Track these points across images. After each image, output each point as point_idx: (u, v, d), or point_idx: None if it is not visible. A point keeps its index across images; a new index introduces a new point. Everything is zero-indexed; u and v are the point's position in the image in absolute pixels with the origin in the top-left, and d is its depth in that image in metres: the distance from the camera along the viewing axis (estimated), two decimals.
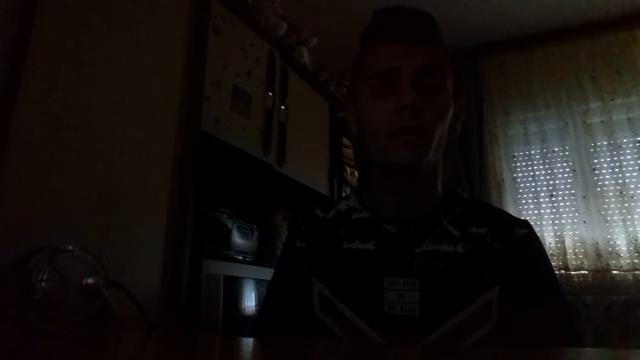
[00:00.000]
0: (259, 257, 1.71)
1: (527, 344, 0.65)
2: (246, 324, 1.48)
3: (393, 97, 0.70)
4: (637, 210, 2.40)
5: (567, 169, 2.61)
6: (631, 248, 2.36)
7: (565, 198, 2.58)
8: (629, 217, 2.39)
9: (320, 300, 0.76)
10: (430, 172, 0.75)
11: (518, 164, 2.74)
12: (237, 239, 1.59)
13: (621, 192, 2.44)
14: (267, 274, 1.33)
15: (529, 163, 2.71)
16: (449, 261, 0.70)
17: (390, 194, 0.77)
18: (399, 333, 0.69)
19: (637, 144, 2.49)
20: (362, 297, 0.72)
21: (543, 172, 2.66)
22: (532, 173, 2.68)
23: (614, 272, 2.38)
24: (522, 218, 0.80)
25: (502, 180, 2.72)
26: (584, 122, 2.60)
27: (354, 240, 0.77)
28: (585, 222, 2.47)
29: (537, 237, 0.75)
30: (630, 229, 2.38)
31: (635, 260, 2.35)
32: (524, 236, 0.73)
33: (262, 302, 0.87)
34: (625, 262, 2.37)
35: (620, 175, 2.46)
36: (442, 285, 0.69)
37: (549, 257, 0.79)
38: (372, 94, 0.73)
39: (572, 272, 2.45)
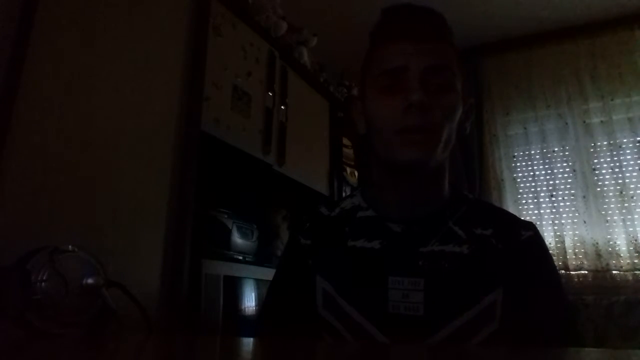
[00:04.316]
0: (259, 257, 1.71)
1: (529, 346, 0.65)
2: (246, 324, 1.48)
3: (401, 96, 0.69)
4: (637, 210, 2.40)
5: (567, 169, 2.61)
6: (631, 248, 2.36)
7: (565, 198, 2.58)
8: (629, 217, 2.39)
9: (324, 298, 0.76)
10: (437, 171, 0.75)
11: (518, 164, 2.74)
12: (237, 239, 1.59)
13: (621, 192, 2.44)
14: (267, 274, 1.33)
15: (529, 163, 2.71)
16: (454, 262, 0.70)
17: (396, 193, 0.77)
18: (403, 333, 0.68)
19: (637, 144, 2.49)
20: (366, 295, 0.72)
21: (543, 172, 2.66)
22: (532, 173, 2.69)
23: (614, 272, 2.38)
24: (528, 220, 0.79)
25: (502, 180, 2.72)
26: (584, 122, 2.60)
27: (358, 239, 0.76)
28: (585, 222, 2.47)
29: (542, 240, 0.75)
30: (630, 229, 2.38)
31: (635, 260, 2.35)
32: (529, 238, 0.73)
33: (264, 299, 0.86)
34: (625, 262, 2.37)
35: (620, 175, 2.46)
36: (447, 286, 0.69)
37: (554, 260, 0.78)
38: (380, 92, 0.72)
39: (572, 272, 2.46)
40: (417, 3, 0.75)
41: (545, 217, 2.59)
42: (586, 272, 2.44)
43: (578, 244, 2.49)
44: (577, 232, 2.50)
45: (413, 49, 0.70)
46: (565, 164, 2.62)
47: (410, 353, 0.57)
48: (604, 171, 2.52)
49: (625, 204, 2.42)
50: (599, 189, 2.49)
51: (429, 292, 0.68)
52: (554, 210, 2.58)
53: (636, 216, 2.39)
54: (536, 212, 2.61)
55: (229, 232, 1.56)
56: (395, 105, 0.69)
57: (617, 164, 2.48)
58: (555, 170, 2.64)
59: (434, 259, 0.70)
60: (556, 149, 2.66)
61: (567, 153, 2.62)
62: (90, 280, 0.73)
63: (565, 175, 2.61)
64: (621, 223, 2.41)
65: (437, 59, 0.70)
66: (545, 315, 0.68)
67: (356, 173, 2.57)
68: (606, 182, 2.50)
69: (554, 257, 2.48)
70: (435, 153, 0.70)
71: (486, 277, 0.69)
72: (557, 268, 2.46)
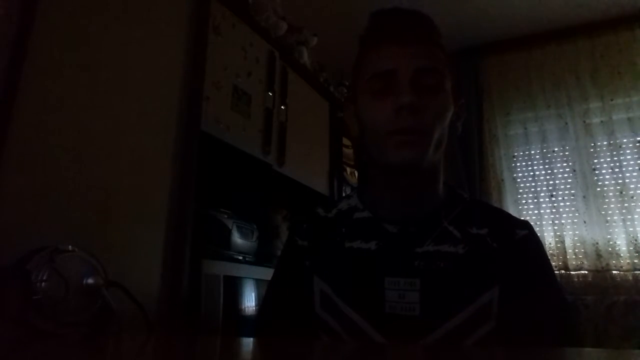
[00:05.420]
0: (259, 257, 1.71)
1: (526, 344, 0.65)
2: (246, 324, 1.48)
3: (391, 98, 0.70)
4: (637, 210, 2.40)
5: (567, 169, 2.61)
6: (631, 248, 2.36)
7: (565, 198, 2.58)
8: (629, 217, 2.39)
9: (321, 298, 0.76)
10: (430, 172, 0.75)
11: (518, 164, 2.74)
12: (237, 239, 1.59)
13: (621, 192, 2.44)
14: (267, 274, 1.33)
15: (529, 163, 2.71)
16: (450, 261, 0.70)
17: (390, 194, 0.77)
18: (400, 333, 0.69)
19: (637, 144, 2.49)
20: (363, 296, 0.72)
21: (543, 172, 2.66)
22: (532, 173, 2.69)
23: (614, 272, 2.38)
24: (523, 219, 0.80)
25: (502, 180, 2.72)
26: (584, 122, 2.60)
27: (355, 240, 0.77)
28: (585, 222, 2.47)
29: (537, 238, 0.75)
30: (630, 229, 2.38)
31: (635, 260, 2.35)
32: (524, 237, 0.73)
33: (262, 300, 0.87)
34: (625, 262, 2.37)
35: (620, 175, 2.46)
36: (442, 286, 0.69)
37: (549, 258, 0.79)
38: (371, 95, 0.73)
39: (572, 272, 2.46)
40: (406, 6, 0.75)
41: (545, 217, 2.59)
42: (586, 272, 2.43)
43: (578, 244, 2.49)
44: (577, 232, 2.50)
45: (402, 51, 0.71)
46: (565, 164, 2.62)
47: (407, 353, 0.57)
48: (604, 171, 2.52)
49: (625, 204, 2.42)
50: (599, 189, 2.49)
51: (425, 292, 0.69)
52: (554, 210, 2.58)
53: (636, 216, 2.39)
54: (536, 212, 2.61)
55: (229, 232, 1.56)
56: (386, 108, 0.70)
57: (617, 164, 2.48)
58: (555, 170, 2.64)
59: (430, 259, 0.71)
60: (556, 149, 2.66)
61: (567, 153, 2.62)
62: (90, 280, 0.73)
63: (565, 175, 2.61)
64: (621, 223, 2.41)
65: (427, 61, 0.71)
66: (541, 313, 0.69)
67: (356, 173, 2.57)
68: (606, 182, 2.50)
69: (554, 257, 2.48)
70: (427, 154, 0.70)
71: (482, 276, 0.70)
72: (554, 266, 2.48)
